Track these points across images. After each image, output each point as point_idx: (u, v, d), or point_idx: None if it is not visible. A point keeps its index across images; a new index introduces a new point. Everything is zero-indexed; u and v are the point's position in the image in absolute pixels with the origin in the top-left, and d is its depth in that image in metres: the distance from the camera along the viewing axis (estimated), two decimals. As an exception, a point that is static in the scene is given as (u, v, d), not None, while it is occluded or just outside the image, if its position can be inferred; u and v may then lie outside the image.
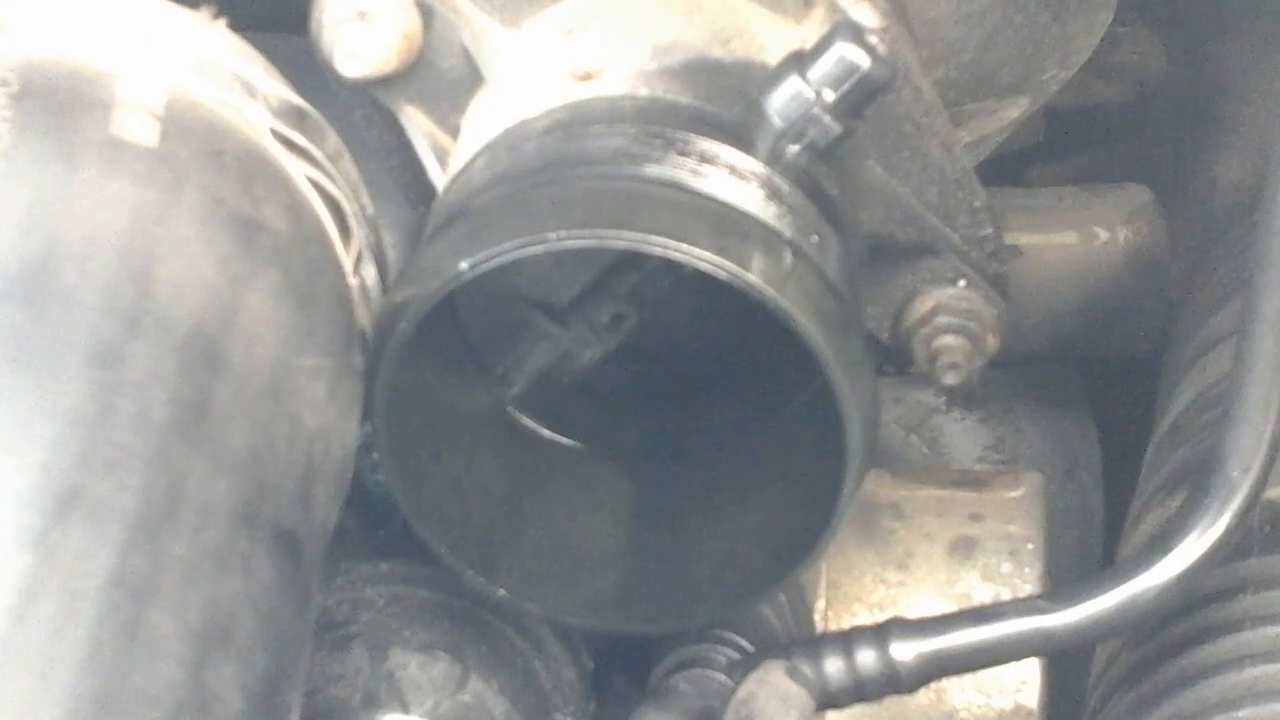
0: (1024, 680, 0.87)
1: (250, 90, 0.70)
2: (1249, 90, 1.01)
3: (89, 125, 0.64)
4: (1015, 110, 0.88)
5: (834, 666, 0.73)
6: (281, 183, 0.68)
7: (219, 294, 0.64)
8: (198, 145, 0.66)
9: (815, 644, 0.74)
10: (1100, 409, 1.07)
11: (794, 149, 0.74)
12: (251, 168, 0.67)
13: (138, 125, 0.65)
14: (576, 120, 0.75)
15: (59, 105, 0.65)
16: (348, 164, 0.73)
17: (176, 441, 0.60)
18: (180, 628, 0.57)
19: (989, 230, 0.83)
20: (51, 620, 0.55)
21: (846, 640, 0.73)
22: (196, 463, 0.60)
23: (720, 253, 0.69)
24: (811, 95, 0.73)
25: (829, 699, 0.73)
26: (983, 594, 0.88)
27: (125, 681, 0.55)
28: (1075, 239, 0.99)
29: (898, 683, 0.73)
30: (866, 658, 0.73)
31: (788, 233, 0.73)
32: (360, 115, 0.83)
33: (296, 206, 0.69)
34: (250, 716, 0.58)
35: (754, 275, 0.69)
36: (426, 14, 0.79)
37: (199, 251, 0.64)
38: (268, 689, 0.60)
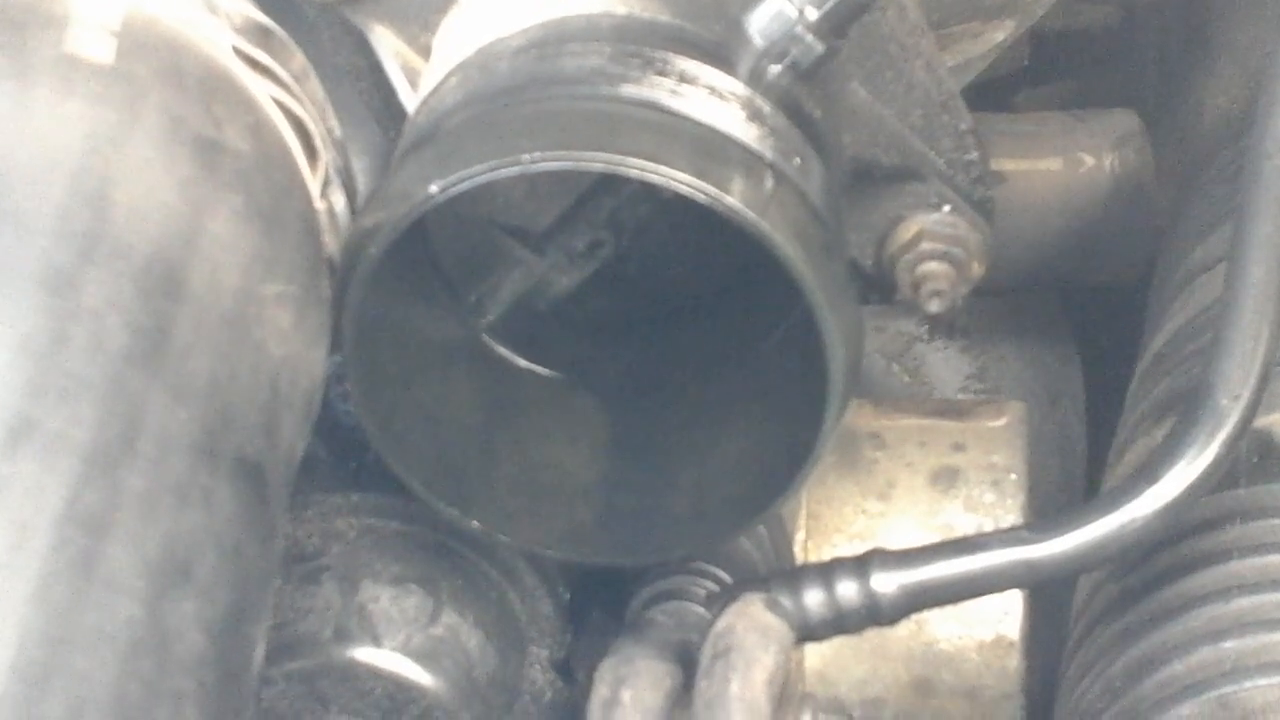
0: (1006, 611, 0.86)
1: (212, 7, 0.68)
2: (1237, 14, 0.99)
3: (43, 42, 0.63)
4: (1001, 33, 0.86)
5: (814, 599, 0.72)
6: (244, 103, 0.67)
7: (179, 218, 0.62)
8: (156, 63, 0.64)
9: (795, 576, 0.73)
10: (1083, 338, 1.06)
11: (776, 69, 0.72)
12: (213, 87, 0.66)
13: (93, 42, 0.63)
14: (551, 39, 0.73)
15: (11, 21, 0.63)
16: (314, 84, 0.71)
17: (134, 371, 0.59)
18: (137, 563, 0.56)
19: (974, 155, 0.82)
20: (1, 556, 0.54)
21: (827, 572, 0.72)
22: (155, 393, 0.59)
23: (699, 175, 0.68)
24: (794, 13, 0.72)
25: (809, 631, 0.72)
26: (965, 524, 0.87)
27: (78, 618, 0.54)
28: (1061, 165, 0.98)
29: (879, 615, 0.72)
30: (847, 589, 0.72)
31: (769, 155, 0.71)
32: (328, 36, 0.81)
33: (260, 127, 0.67)
34: (211, 652, 0.57)
35: (734, 199, 0.68)
36: (396, -71, 0.77)
37: (158, 174, 0.62)
38: (230, 624, 0.59)
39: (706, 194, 0.68)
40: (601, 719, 0.69)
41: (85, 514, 0.56)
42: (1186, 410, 0.71)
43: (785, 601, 0.72)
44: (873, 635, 0.78)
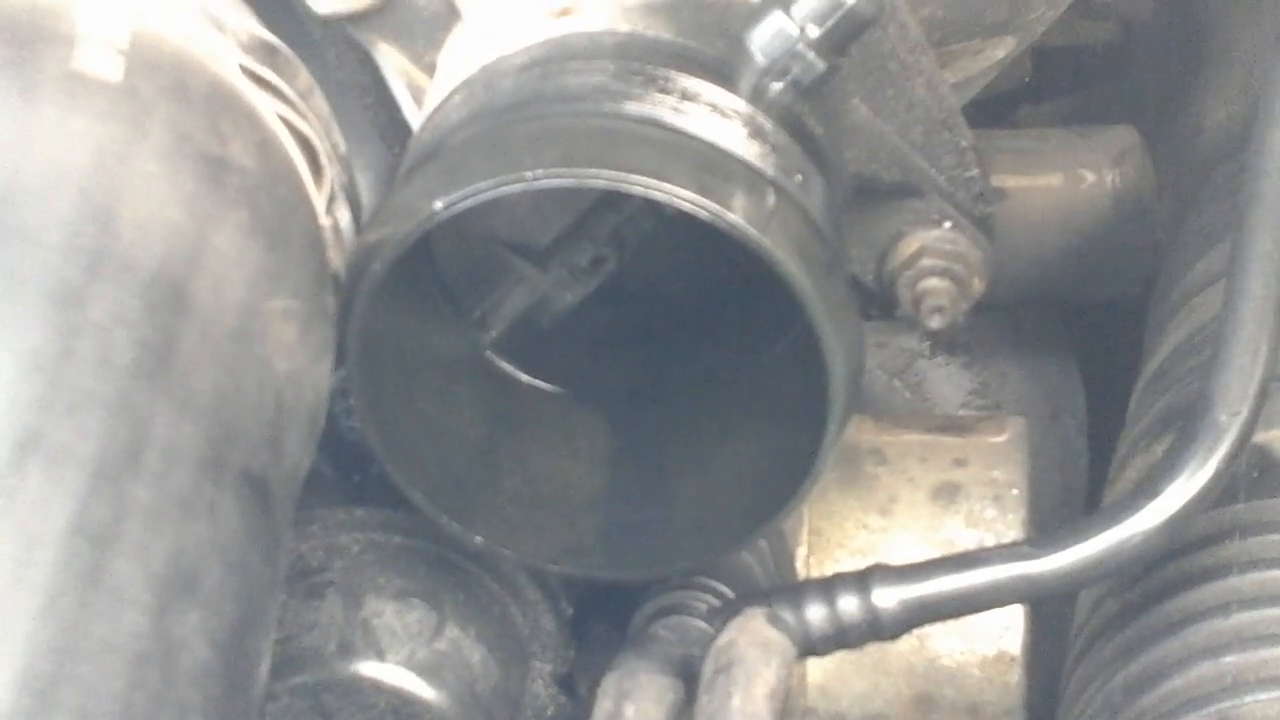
0: (1007, 626, 0.86)
1: (218, 25, 0.68)
2: (1236, 31, 1.00)
3: (50, 59, 0.63)
4: (1001, 50, 0.86)
5: (816, 613, 0.72)
6: (250, 120, 0.67)
7: (185, 233, 0.62)
8: (163, 80, 0.65)
9: (797, 591, 0.73)
10: (1083, 353, 1.06)
11: (777, 86, 0.73)
12: (219, 104, 0.66)
13: (101, 59, 0.64)
14: (555, 57, 0.73)
15: (19, 38, 0.63)
16: (319, 101, 0.72)
17: (140, 385, 0.59)
18: (143, 575, 0.56)
19: (975, 171, 0.82)
20: (8, 568, 0.54)
21: (828, 587, 0.73)
22: (161, 407, 0.59)
23: (702, 192, 0.68)
24: (795, 31, 0.72)
25: (810, 646, 0.72)
26: (966, 540, 0.87)
27: (85, 630, 0.55)
28: (1061, 181, 0.98)
29: (880, 629, 0.72)
30: (849, 604, 0.72)
31: (771, 172, 0.71)
32: (334, 53, 0.81)
33: (266, 144, 0.67)
34: (216, 665, 0.57)
35: (736, 215, 0.68)
36: (401, -52, 0.78)
37: (164, 190, 0.62)
38: (235, 637, 0.59)
39: (709, 210, 0.68)
40: (604, 733, 0.69)
41: (92, 527, 0.56)
42: (1186, 426, 0.72)
43: (787, 616, 0.72)
44: (874, 650, 0.78)
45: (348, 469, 0.78)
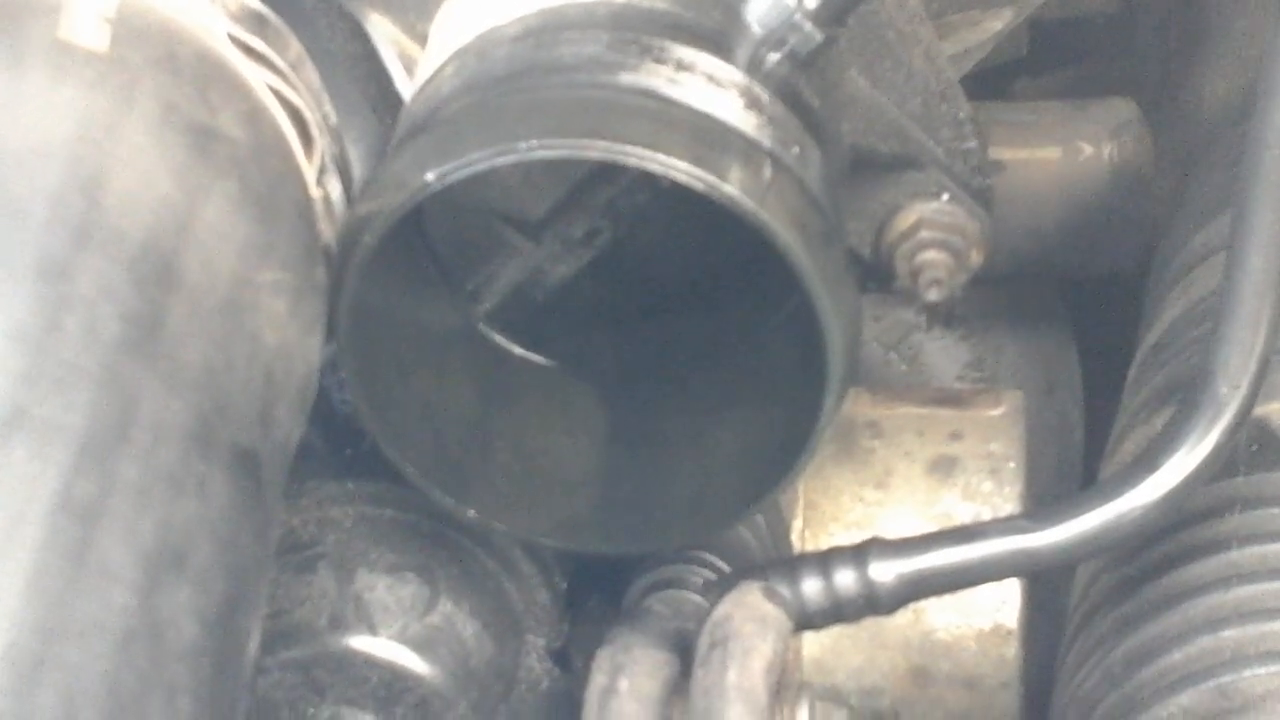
0: (1004, 600, 0.86)
1: (207, -7, 0.67)
2: (1236, 2, 0.99)
3: (37, 28, 0.62)
4: (999, 22, 0.86)
5: (812, 587, 0.72)
6: (239, 90, 0.66)
7: (173, 205, 0.62)
8: (151, 50, 0.64)
9: (793, 565, 0.73)
10: (1080, 326, 1.06)
11: (774, 57, 0.72)
12: (208, 74, 0.65)
13: (88, 29, 0.63)
14: (549, 26, 0.72)
15: (5, 7, 0.63)
16: (310, 72, 0.71)
17: (128, 359, 0.58)
18: (131, 552, 0.56)
19: (973, 143, 0.82)
20: None
21: (824, 561, 0.72)
22: (149, 381, 0.59)
23: (697, 163, 0.68)
24: (793, 2, 0.72)
25: (806, 620, 0.72)
26: (963, 513, 0.87)
27: (71, 608, 0.54)
28: (1059, 154, 0.98)
29: (876, 604, 0.72)
30: (845, 578, 0.72)
31: (767, 144, 0.71)
32: (324, 23, 0.81)
33: (255, 115, 0.67)
34: (206, 642, 0.57)
35: (732, 187, 0.68)
36: (392, -84, 0.77)
37: (152, 161, 0.62)
38: (224, 614, 0.58)
39: (704, 182, 0.68)
40: (599, 707, 0.69)
41: (78, 503, 0.55)
42: (1186, 399, 0.71)
43: (783, 590, 0.72)
44: (870, 624, 0.78)
45: (339, 442, 0.78)
